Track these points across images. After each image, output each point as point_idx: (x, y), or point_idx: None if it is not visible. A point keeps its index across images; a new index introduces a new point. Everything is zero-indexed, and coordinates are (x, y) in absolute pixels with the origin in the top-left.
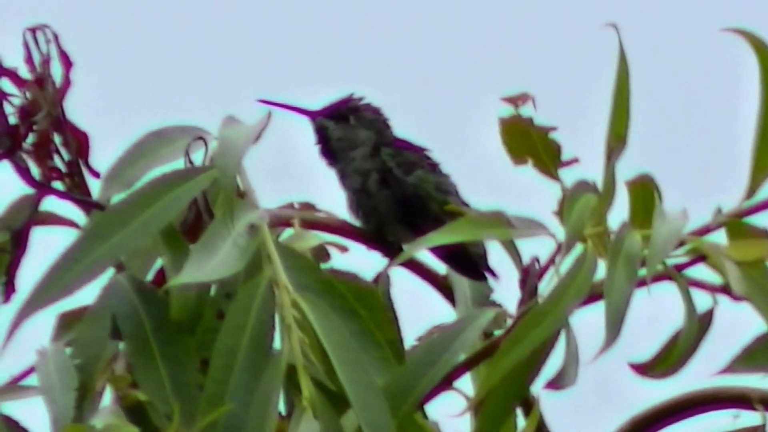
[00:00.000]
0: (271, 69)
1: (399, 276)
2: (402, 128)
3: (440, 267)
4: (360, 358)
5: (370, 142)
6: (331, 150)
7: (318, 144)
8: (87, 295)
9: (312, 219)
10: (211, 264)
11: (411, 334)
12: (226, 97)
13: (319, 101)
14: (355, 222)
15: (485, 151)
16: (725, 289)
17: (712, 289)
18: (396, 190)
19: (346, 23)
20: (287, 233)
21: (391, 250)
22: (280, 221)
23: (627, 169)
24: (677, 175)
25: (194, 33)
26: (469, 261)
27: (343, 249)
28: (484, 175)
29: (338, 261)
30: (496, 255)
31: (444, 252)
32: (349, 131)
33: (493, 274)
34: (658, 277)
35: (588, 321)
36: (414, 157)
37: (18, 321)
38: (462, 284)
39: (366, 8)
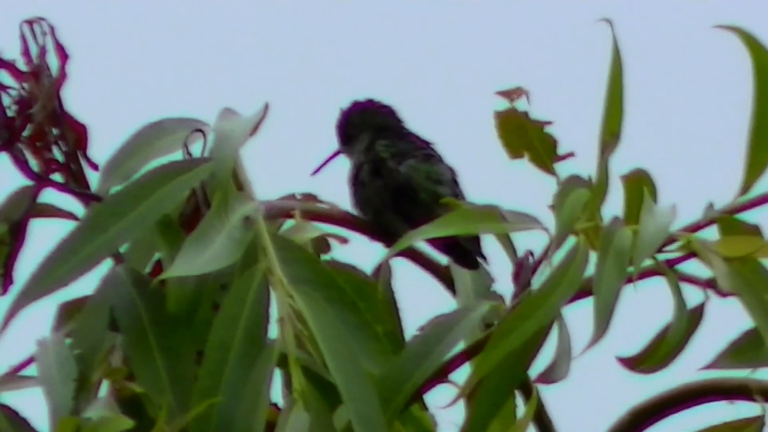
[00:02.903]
0: (268, 64)
1: (402, 267)
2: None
3: (442, 257)
4: (352, 351)
5: (367, 138)
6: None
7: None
8: (87, 286)
9: (314, 210)
10: (204, 256)
11: (414, 324)
12: (225, 89)
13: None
14: (356, 213)
15: (482, 145)
16: (712, 285)
17: (703, 284)
18: (388, 180)
19: (339, 21)
20: (288, 225)
21: (392, 240)
22: (281, 212)
23: (624, 164)
24: (673, 171)
25: (193, 25)
26: (461, 249)
27: (344, 240)
28: (481, 169)
29: (339, 252)
30: (491, 249)
31: (437, 241)
32: (354, 144)
33: (486, 261)
34: (650, 273)
35: (581, 316)
36: (408, 147)
37: (14, 311)
38: (463, 275)
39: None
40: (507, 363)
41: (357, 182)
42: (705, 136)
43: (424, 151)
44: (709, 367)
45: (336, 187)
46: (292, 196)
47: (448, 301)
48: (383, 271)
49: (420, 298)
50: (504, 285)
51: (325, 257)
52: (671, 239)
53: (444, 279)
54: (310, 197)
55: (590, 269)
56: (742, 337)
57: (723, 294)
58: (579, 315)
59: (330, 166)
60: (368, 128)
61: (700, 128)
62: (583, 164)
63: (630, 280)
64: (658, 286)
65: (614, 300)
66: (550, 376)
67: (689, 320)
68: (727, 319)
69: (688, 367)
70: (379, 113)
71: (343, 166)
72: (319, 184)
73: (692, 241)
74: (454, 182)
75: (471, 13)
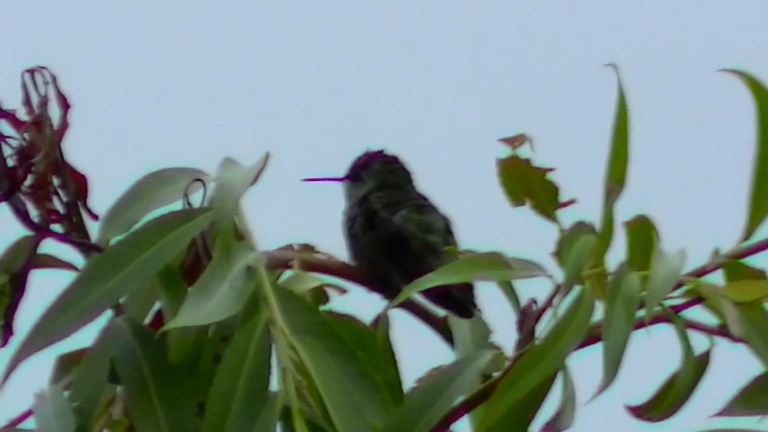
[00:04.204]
0: (267, 114)
1: (399, 318)
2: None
3: (438, 309)
4: (356, 402)
5: (369, 188)
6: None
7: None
8: (87, 336)
9: (312, 261)
10: (208, 307)
11: (411, 375)
12: (225, 139)
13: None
14: (353, 264)
15: (484, 192)
16: (723, 331)
17: (709, 330)
18: (381, 230)
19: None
20: (287, 275)
21: (389, 291)
22: (279, 263)
23: (626, 208)
24: (675, 216)
25: (193, 76)
26: (451, 297)
27: (343, 291)
28: (483, 216)
29: (338, 303)
30: (494, 297)
31: (430, 292)
32: (358, 187)
33: (479, 310)
34: (655, 319)
35: (585, 362)
36: (401, 197)
37: (15, 363)
38: (461, 326)
39: (364, 46)
40: (513, 412)
41: (351, 235)
42: (706, 180)
43: (416, 201)
44: (719, 414)
45: (333, 238)
46: (290, 247)
47: (445, 352)
48: (382, 321)
49: (417, 349)
50: (503, 333)
51: (323, 308)
52: (678, 284)
53: (441, 330)
54: (307, 248)
55: (595, 316)
56: (752, 383)
57: (734, 339)
58: (583, 362)
59: (324, 185)
60: (377, 180)
61: (702, 172)
62: (586, 210)
63: (640, 326)
64: (662, 331)
65: (624, 346)
66: (555, 425)
67: (696, 367)
68: (731, 365)
69: (697, 415)
70: (397, 173)
71: (338, 212)
72: (316, 235)
73: (700, 286)
74: (448, 231)
75: (475, 58)
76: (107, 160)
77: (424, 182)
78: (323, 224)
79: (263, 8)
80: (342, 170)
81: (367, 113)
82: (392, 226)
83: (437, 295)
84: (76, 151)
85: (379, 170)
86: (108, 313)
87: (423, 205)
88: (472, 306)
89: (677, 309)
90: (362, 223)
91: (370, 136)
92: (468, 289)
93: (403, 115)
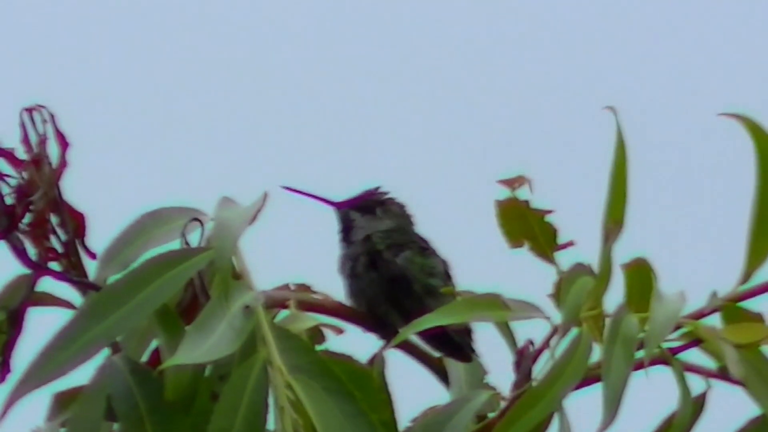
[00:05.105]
0: (266, 153)
1: (395, 357)
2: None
3: (434, 351)
4: None
5: (383, 226)
6: (351, 239)
7: (342, 232)
8: (82, 375)
9: (308, 300)
10: (206, 345)
11: (406, 415)
12: (223, 179)
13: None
14: (350, 304)
15: (483, 233)
16: (721, 373)
17: (706, 373)
18: (383, 271)
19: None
20: (283, 314)
21: (386, 332)
22: (276, 302)
23: (624, 251)
24: (673, 259)
25: (191, 116)
26: (450, 341)
27: (339, 331)
28: (481, 258)
29: (334, 343)
30: (490, 337)
31: (430, 336)
32: (375, 223)
33: (477, 354)
34: (653, 361)
35: (581, 404)
36: (404, 239)
37: (12, 401)
38: (456, 367)
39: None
40: None
41: (353, 274)
42: (705, 224)
43: (418, 243)
44: None
45: (329, 278)
46: (287, 287)
47: (441, 392)
48: (378, 361)
49: (412, 389)
50: (500, 376)
51: (320, 347)
52: (676, 327)
53: (437, 370)
54: (304, 288)
55: (592, 358)
56: (747, 424)
57: (733, 381)
58: (580, 403)
59: (306, 200)
60: (395, 221)
61: (700, 215)
62: (584, 252)
63: (639, 367)
64: (659, 373)
65: (623, 387)
66: None
67: (693, 408)
68: (727, 407)
69: None
70: (405, 216)
71: (334, 253)
72: (312, 275)
73: (699, 328)
74: (447, 275)
75: (476, 101)
76: (105, 198)
77: (424, 223)
78: (319, 264)
79: (263, 49)
80: (336, 197)
81: (365, 155)
82: (395, 267)
83: (435, 337)
84: (74, 189)
85: (398, 213)
86: (105, 351)
87: (425, 248)
88: (470, 350)
89: (674, 351)
90: (365, 263)
91: (368, 176)
92: (467, 333)
93: (404, 157)
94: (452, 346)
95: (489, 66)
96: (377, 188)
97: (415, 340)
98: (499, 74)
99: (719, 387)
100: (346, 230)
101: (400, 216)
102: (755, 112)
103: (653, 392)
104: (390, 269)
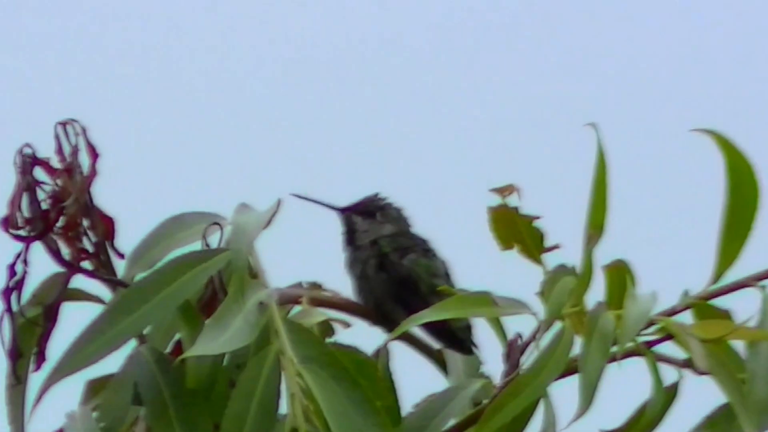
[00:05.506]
0: (282, 163)
1: (399, 350)
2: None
3: (436, 343)
4: (358, 425)
5: (385, 230)
6: (355, 241)
7: (345, 234)
8: (112, 364)
9: (319, 297)
10: (223, 337)
11: (409, 401)
12: (241, 186)
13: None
14: (358, 301)
15: (477, 238)
16: (689, 365)
17: (678, 364)
18: (392, 273)
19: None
20: (296, 310)
21: (390, 326)
22: (289, 299)
23: (606, 253)
24: (650, 261)
25: (213, 122)
26: (454, 336)
27: (347, 325)
28: (475, 260)
29: (342, 336)
30: (483, 331)
31: (433, 328)
32: (375, 226)
33: (477, 348)
34: (630, 353)
35: (565, 392)
36: (408, 242)
37: (46, 387)
38: (455, 358)
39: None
40: None
41: (363, 275)
42: (679, 229)
43: (421, 246)
44: None
45: (338, 277)
46: (299, 285)
47: (441, 381)
48: (382, 352)
49: (415, 378)
50: (493, 365)
51: (329, 340)
52: (650, 323)
53: (437, 361)
54: (315, 286)
55: (574, 350)
56: (716, 411)
57: (699, 372)
58: (563, 391)
59: (314, 206)
60: (395, 225)
61: (675, 221)
62: (568, 254)
63: (613, 360)
64: (636, 365)
65: (598, 378)
66: None
67: (666, 397)
68: (699, 396)
69: None
70: (405, 220)
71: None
72: (323, 274)
73: (670, 324)
74: (447, 275)
75: (469, 119)
76: (133, 204)
77: (425, 230)
78: (329, 264)
79: (278, 60)
80: (340, 203)
81: (365, 165)
82: (403, 269)
83: (441, 332)
84: (104, 196)
85: (396, 217)
86: (132, 343)
87: (428, 250)
88: (471, 344)
89: (650, 344)
90: (374, 266)
91: (369, 184)
92: (468, 329)
93: (402, 169)
94: (455, 341)
95: (480, 82)
96: (377, 194)
97: (420, 334)
98: (492, 94)
99: (693, 378)
100: (350, 232)
101: (398, 219)
102: (730, 122)
103: (633, 384)
104: (398, 271)
